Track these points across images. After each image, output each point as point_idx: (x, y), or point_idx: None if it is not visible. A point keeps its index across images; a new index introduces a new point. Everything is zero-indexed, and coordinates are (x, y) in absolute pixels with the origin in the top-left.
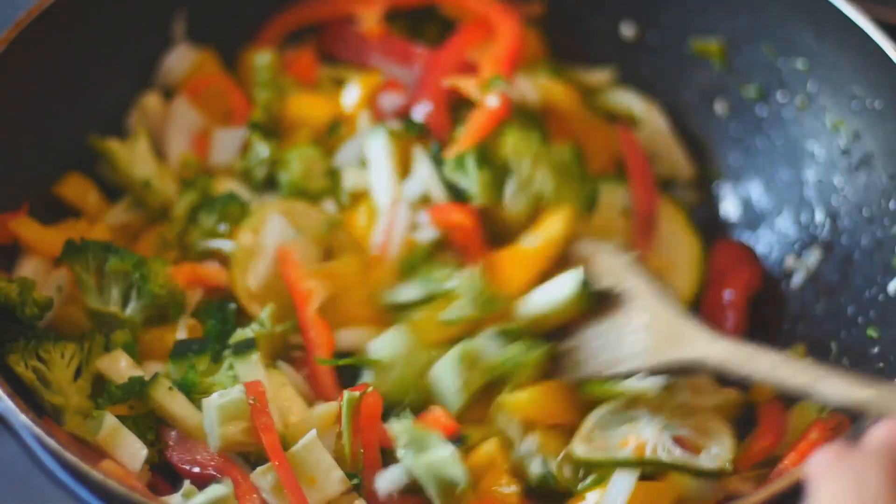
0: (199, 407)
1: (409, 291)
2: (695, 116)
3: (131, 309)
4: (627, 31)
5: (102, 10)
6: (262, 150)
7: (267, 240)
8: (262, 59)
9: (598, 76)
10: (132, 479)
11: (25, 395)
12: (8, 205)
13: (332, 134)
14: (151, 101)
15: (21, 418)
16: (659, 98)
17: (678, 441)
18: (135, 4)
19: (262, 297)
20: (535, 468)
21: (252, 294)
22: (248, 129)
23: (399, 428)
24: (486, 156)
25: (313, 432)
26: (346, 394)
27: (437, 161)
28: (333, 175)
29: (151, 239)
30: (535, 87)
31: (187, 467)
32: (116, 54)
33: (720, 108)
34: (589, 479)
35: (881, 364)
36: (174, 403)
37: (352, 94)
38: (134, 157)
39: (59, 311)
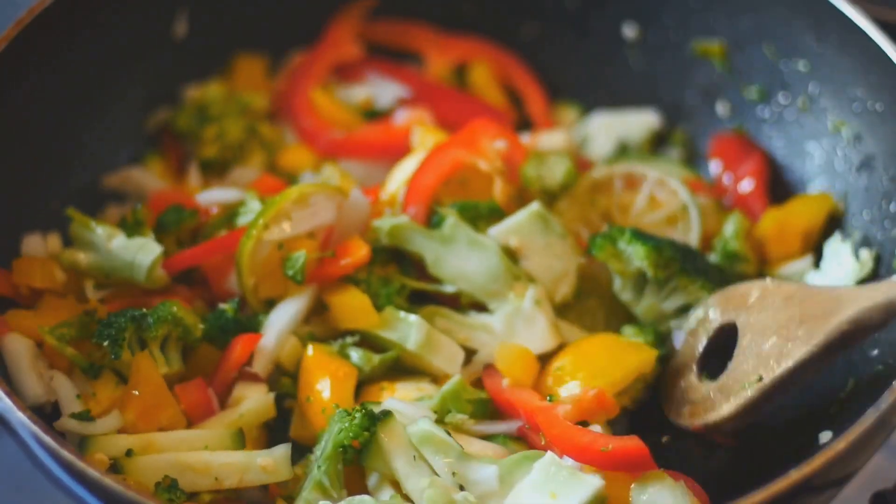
0: None
1: None
2: (696, 117)
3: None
4: (629, 31)
5: (104, 9)
6: (255, 205)
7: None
8: (212, 92)
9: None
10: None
11: None
12: (7, 211)
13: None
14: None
15: (19, 416)
16: (660, 98)
17: None
18: (136, 4)
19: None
20: None
21: (251, 268)
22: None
23: None
24: None
25: None
26: None
27: None
28: None
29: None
30: None
31: None
32: (117, 53)
33: (722, 109)
34: None
35: (881, 366)
36: None
37: None
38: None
39: None
